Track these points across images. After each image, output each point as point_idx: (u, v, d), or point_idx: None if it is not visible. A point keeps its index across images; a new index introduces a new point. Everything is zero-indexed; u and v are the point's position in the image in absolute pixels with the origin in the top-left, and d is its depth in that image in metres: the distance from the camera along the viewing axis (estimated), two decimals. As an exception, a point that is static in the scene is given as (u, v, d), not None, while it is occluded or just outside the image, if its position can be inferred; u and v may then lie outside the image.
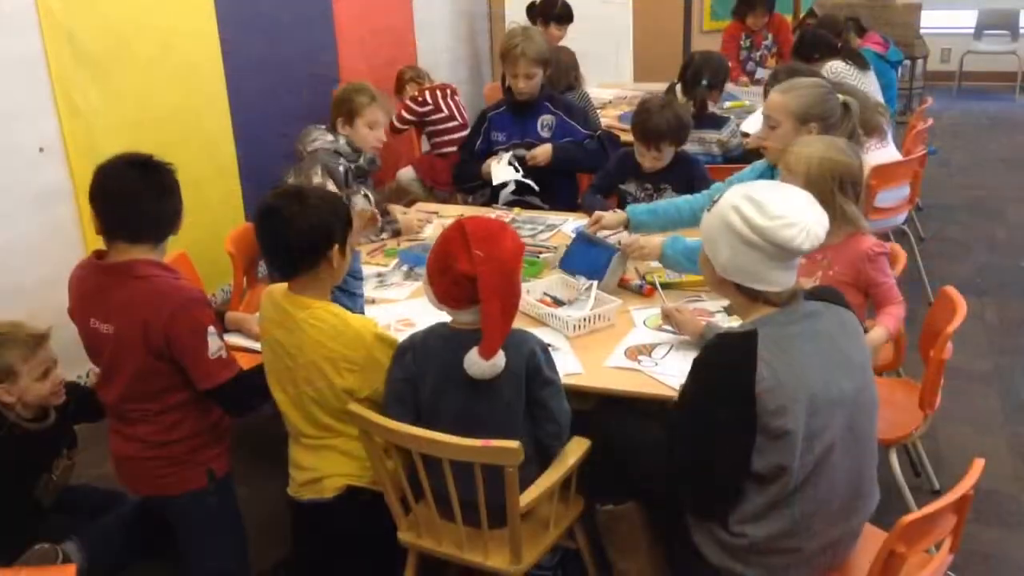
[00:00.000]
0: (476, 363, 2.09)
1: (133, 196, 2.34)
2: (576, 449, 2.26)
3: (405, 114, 5.41)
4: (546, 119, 3.98)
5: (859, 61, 4.85)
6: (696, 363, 1.98)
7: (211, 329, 2.33)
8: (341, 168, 3.37)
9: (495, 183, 3.88)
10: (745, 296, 1.98)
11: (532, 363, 2.15)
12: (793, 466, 1.86)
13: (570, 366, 2.46)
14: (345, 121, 3.49)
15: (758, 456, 1.88)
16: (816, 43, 4.86)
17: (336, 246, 2.27)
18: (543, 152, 3.87)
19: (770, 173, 3.09)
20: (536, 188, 3.86)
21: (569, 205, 3.97)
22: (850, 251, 2.61)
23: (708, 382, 1.93)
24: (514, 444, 1.99)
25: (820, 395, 1.87)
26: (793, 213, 1.88)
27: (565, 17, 5.71)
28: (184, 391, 2.39)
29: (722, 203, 1.96)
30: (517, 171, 3.84)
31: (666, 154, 3.49)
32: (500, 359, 2.09)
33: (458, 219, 2.18)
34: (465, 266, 2.08)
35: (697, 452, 1.95)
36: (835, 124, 3.00)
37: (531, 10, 5.87)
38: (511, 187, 3.87)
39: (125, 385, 2.39)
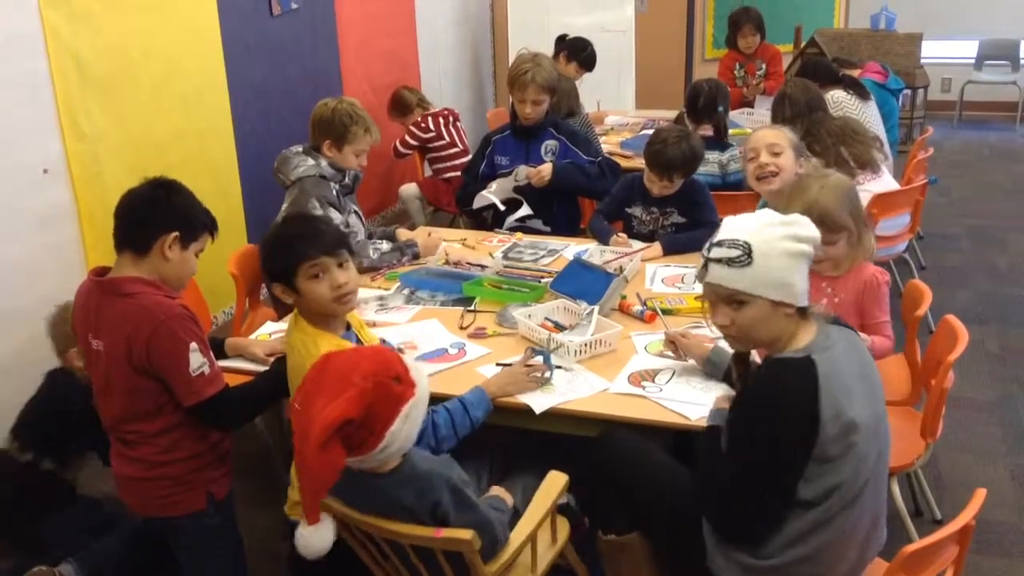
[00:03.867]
0: (298, 536, 1.87)
1: (122, 206, 2.37)
2: (553, 487, 2.19)
3: (409, 139, 5.45)
4: (550, 144, 3.99)
5: (860, 91, 4.87)
6: (755, 392, 1.96)
7: (193, 345, 2.30)
8: (333, 192, 3.35)
9: (492, 200, 3.87)
10: (791, 317, 1.96)
11: (439, 513, 1.95)
12: (842, 492, 1.88)
13: (595, 384, 2.49)
14: (333, 144, 3.40)
15: (806, 484, 1.89)
16: (818, 71, 4.88)
17: (275, 285, 2.31)
18: (547, 168, 3.86)
19: None
20: (530, 211, 3.87)
21: (571, 231, 3.98)
22: (854, 278, 2.61)
23: (772, 411, 1.90)
24: (468, 534, 1.90)
25: (865, 422, 1.88)
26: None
27: (588, 63, 5.76)
28: (177, 412, 2.37)
29: (769, 247, 1.93)
30: (504, 203, 3.85)
31: (677, 183, 3.51)
32: (320, 536, 1.88)
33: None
34: (291, 407, 1.89)
35: (747, 479, 1.93)
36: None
37: (560, 42, 5.92)
38: (522, 211, 3.87)
39: (119, 404, 2.38)
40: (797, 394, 1.86)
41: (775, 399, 1.90)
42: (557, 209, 4.01)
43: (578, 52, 5.76)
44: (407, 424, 1.86)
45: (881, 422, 1.97)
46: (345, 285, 2.30)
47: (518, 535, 2.10)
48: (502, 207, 3.88)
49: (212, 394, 2.34)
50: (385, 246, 3.47)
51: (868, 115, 4.77)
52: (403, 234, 3.67)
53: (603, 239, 3.56)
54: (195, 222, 2.40)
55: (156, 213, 2.34)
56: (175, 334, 2.29)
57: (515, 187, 3.90)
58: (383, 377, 1.82)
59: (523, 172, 3.89)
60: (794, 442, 1.87)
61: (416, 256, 3.50)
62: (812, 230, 1.97)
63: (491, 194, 3.88)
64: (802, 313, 1.97)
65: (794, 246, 1.93)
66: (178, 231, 2.34)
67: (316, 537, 1.87)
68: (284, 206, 3.37)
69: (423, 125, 5.42)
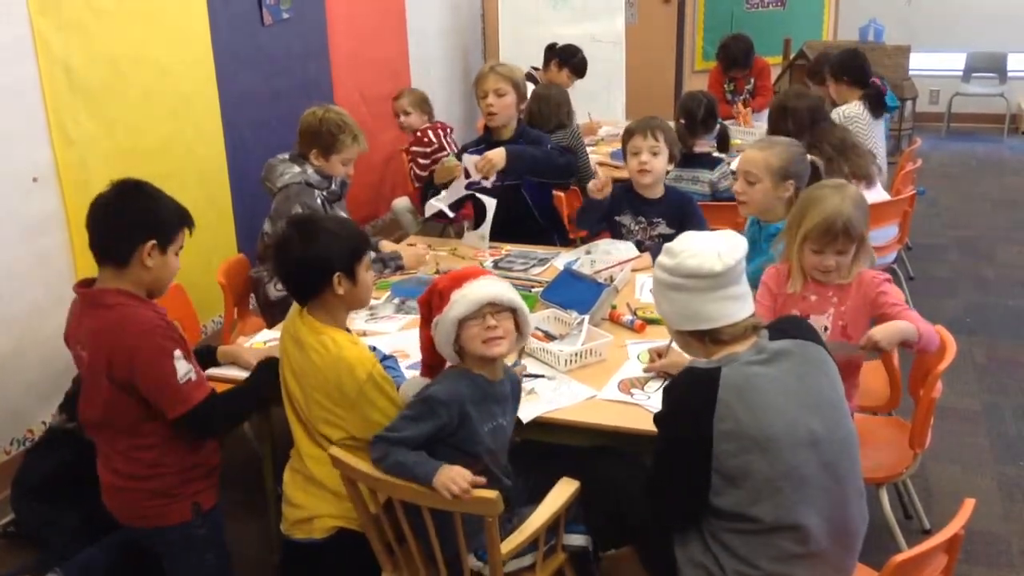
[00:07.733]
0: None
1: (93, 215, 2.32)
2: (564, 491, 2.19)
3: (421, 160, 5.29)
4: None
5: (876, 107, 4.77)
6: (664, 393, 2.05)
7: (177, 353, 2.28)
8: (318, 200, 3.35)
9: (439, 207, 3.71)
10: (700, 342, 2.04)
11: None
12: (759, 508, 1.88)
13: (580, 392, 2.50)
14: (320, 154, 3.38)
15: (716, 495, 1.91)
16: (852, 66, 4.76)
17: (337, 275, 2.29)
18: (497, 153, 3.60)
19: (757, 227, 3.12)
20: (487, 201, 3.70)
21: (562, 244, 3.94)
22: (857, 284, 2.61)
23: (670, 417, 1.99)
24: (493, 494, 1.95)
25: (784, 437, 1.88)
26: (694, 244, 2.01)
27: (580, 68, 5.81)
28: (157, 427, 2.34)
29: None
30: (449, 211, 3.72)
31: (662, 155, 3.48)
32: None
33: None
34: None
35: (662, 472, 2.03)
36: (804, 186, 3.02)
37: (550, 50, 5.94)
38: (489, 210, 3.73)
39: (100, 415, 2.36)
40: (692, 404, 1.92)
41: (671, 405, 1.99)
42: (547, 226, 3.96)
43: (569, 58, 5.78)
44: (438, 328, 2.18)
45: (832, 433, 1.95)
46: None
47: (521, 534, 2.10)
48: (451, 214, 3.72)
49: (200, 399, 2.31)
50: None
51: (875, 134, 4.73)
52: (386, 246, 3.65)
53: (591, 215, 3.59)
54: (168, 224, 2.35)
55: (130, 223, 2.30)
56: (158, 345, 2.27)
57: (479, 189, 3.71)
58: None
59: (471, 163, 3.61)
60: (686, 448, 1.93)
61: (400, 268, 3.49)
62: (681, 261, 2.01)
63: (438, 201, 3.71)
64: (709, 336, 2.02)
65: (658, 273, 2.07)
66: (154, 238, 2.31)
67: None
68: (270, 213, 3.38)
69: (425, 140, 5.34)
